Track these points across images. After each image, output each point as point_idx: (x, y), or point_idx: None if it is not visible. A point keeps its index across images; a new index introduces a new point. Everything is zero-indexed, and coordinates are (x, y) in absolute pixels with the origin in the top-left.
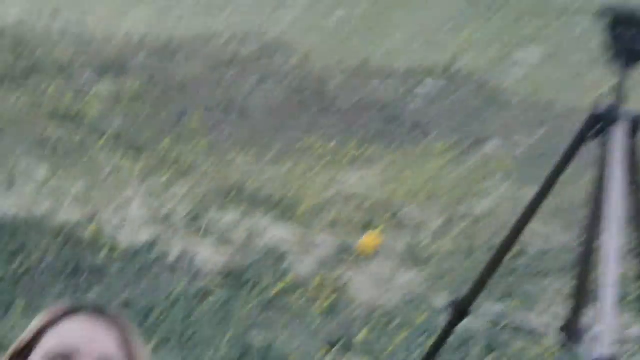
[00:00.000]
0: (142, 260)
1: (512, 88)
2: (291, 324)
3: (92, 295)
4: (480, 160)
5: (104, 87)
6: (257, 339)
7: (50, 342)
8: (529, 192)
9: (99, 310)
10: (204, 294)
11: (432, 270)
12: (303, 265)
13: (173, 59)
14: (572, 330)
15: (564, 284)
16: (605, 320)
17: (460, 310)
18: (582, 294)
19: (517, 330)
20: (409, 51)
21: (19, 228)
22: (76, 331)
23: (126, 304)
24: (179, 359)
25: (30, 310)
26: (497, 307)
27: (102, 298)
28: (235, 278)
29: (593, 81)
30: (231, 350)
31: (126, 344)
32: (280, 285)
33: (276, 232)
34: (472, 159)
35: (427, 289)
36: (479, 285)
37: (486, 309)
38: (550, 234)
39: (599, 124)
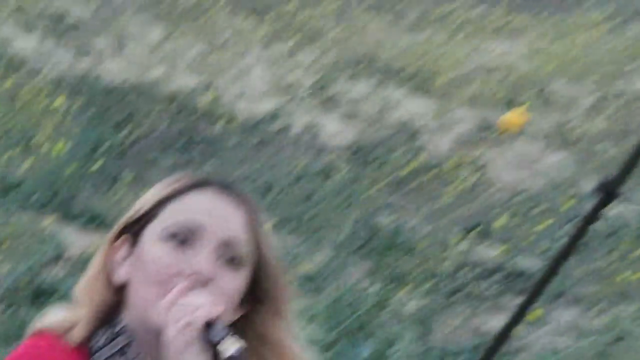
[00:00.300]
0: (262, 133)
1: None
2: (423, 206)
3: (206, 169)
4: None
5: None
6: (385, 221)
7: (173, 215)
8: None
9: (227, 188)
10: (329, 171)
11: (581, 152)
12: (439, 143)
13: None
14: None
15: None
16: None
17: (609, 191)
18: None
19: None
20: None
21: (129, 94)
22: (202, 207)
23: (244, 180)
24: (300, 240)
25: (139, 183)
26: None
27: (218, 172)
28: (364, 155)
29: None
30: (356, 232)
31: (252, 226)
32: (413, 164)
33: (410, 106)
34: (630, 31)
35: (576, 173)
36: (630, 166)
37: None
38: None
39: None
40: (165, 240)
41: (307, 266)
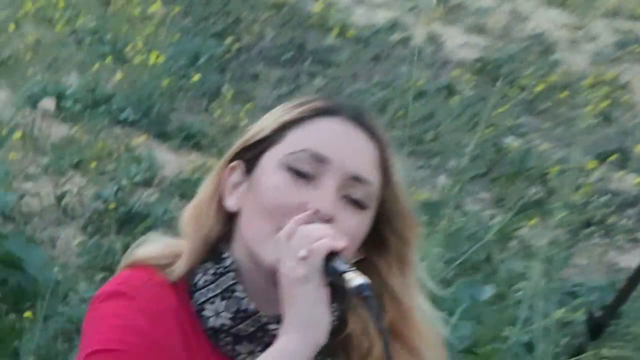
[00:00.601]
0: (379, 46)
1: None
2: (556, 129)
3: (316, 84)
4: None
5: None
6: (512, 145)
7: (296, 143)
8: None
9: (359, 117)
10: (452, 88)
11: None
12: (574, 60)
13: None
14: None
15: None
16: None
17: None
18: None
19: None
20: None
21: (232, 0)
22: (329, 138)
23: (357, 96)
24: (418, 164)
25: (240, 99)
26: None
27: (329, 87)
28: (490, 72)
29: None
30: (481, 155)
31: (383, 164)
32: (546, 82)
33: (543, 18)
34: None
35: None
36: None
37: None
38: None
39: None
40: (285, 169)
41: (425, 192)
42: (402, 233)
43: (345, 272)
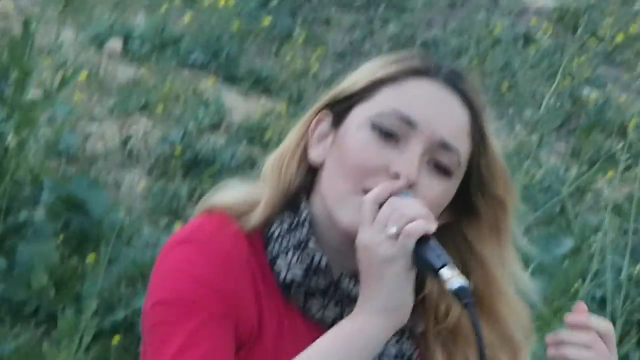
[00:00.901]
0: None
1: None
2: (634, 80)
3: (390, 30)
4: None
5: None
6: (590, 96)
7: (387, 102)
8: None
9: (456, 80)
10: (530, 37)
11: None
12: None
13: None
14: None
15: None
16: None
17: None
18: None
19: None
20: None
21: None
22: (422, 101)
23: (431, 44)
24: (494, 114)
25: (311, 44)
26: None
27: (403, 34)
28: (569, 21)
29: None
30: (558, 106)
31: (476, 131)
32: (625, 33)
33: None
34: None
35: None
36: None
37: None
38: None
39: None
40: (372, 128)
41: (501, 143)
42: (497, 201)
43: (441, 267)
